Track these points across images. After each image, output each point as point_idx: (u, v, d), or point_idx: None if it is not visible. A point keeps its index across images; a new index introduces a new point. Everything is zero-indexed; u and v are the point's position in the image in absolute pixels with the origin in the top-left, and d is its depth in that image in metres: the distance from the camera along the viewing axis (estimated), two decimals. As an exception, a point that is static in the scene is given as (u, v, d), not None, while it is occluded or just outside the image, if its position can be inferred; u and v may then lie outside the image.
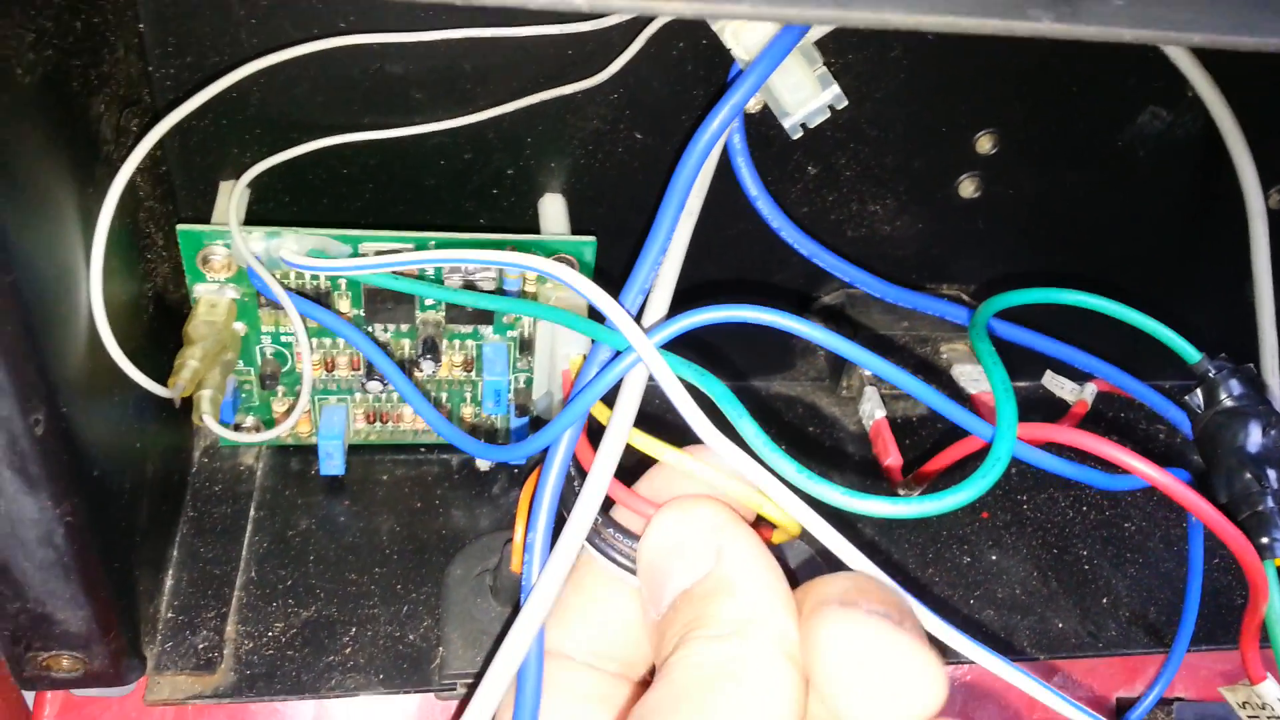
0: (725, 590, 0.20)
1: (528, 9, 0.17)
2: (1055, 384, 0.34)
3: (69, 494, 0.23)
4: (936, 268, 0.37)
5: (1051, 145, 0.34)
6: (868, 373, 0.36)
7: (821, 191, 0.35)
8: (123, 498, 0.27)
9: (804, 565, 0.25)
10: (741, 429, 0.22)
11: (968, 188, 0.35)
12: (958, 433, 0.38)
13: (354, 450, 0.34)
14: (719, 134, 0.26)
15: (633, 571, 0.23)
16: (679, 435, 0.23)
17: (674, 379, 0.23)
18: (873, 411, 0.35)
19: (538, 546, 0.24)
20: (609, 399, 0.25)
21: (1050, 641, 0.33)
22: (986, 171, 0.35)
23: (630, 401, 0.25)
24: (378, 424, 0.34)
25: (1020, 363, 0.32)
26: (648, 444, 0.24)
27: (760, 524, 0.24)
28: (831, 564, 0.23)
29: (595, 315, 0.25)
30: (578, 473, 0.25)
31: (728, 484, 0.23)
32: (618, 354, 0.25)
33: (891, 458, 0.33)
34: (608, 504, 0.23)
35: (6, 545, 0.24)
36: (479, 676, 0.29)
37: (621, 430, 0.24)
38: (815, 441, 0.38)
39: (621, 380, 0.25)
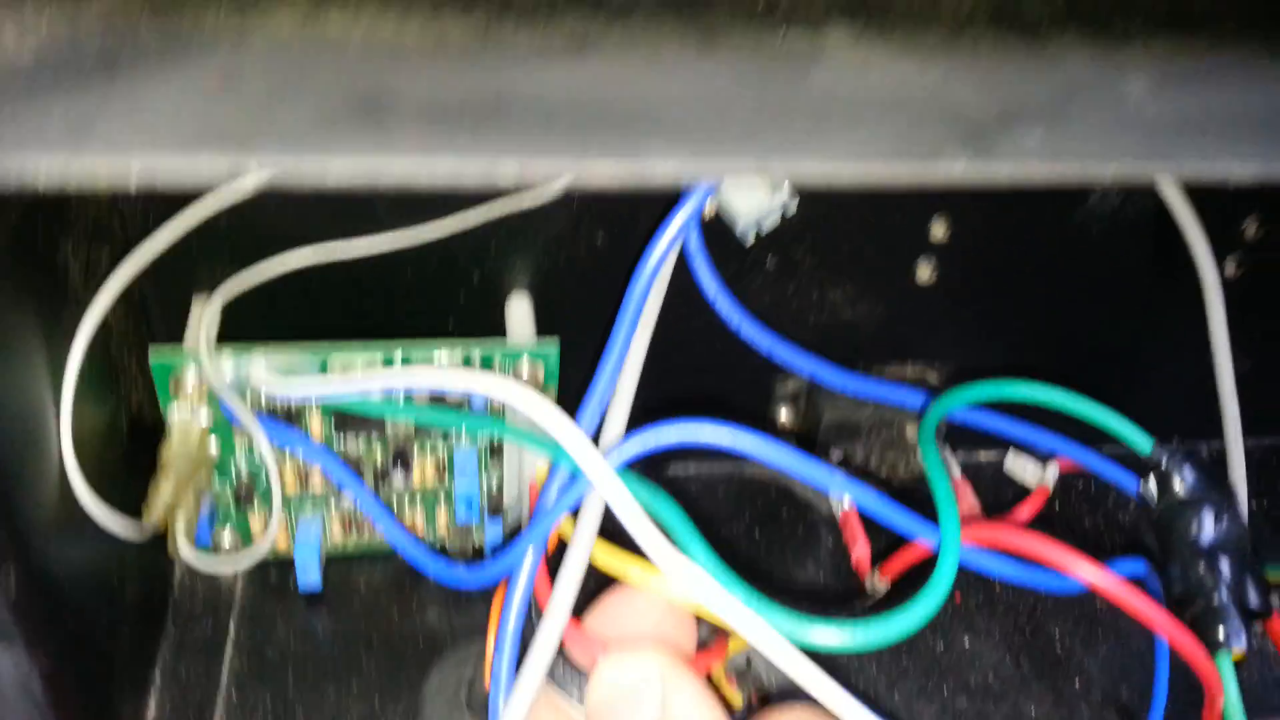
0: None
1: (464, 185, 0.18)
2: (1018, 466, 0.35)
3: (44, 642, 0.23)
4: (899, 347, 0.38)
5: (1004, 228, 0.35)
6: (836, 457, 0.37)
7: (781, 281, 0.35)
8: (101, 630, 0.27)
9: (772, 669, 0.26)
10: (694, 555, 0.23)
11: (924, 272, 0.36)
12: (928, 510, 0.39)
13: (333, 561, 0.35)
14: (667, 251, 0.27)
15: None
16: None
17: (631, 506, 0.24)
18: (842, 499, 0.35)
19: (502, 677, 0.25)
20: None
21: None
22: (941, 256, 0.35)
23: (589, 526, 0.25)
24: (354, 534, 0.35)
25: (985, 438, 0.33)
26: (611, 562, 0.25)
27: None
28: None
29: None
30: (536, 608, 0.25)
31: (688, 601, 0.23)
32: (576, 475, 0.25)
33: (859, 548, 0.33)
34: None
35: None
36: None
37: (579, 562, 0.25)
38: (789, 526, 0.38)
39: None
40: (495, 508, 0.34)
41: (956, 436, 0.37)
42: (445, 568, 0.29)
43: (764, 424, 0.38)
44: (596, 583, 0.25)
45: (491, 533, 0.35)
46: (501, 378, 0.26)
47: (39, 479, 0.24)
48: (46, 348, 0.25)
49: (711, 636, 0.26)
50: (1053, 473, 0.35)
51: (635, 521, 0.23)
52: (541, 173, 0.18)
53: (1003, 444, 0.35)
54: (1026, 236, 0.36)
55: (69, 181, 0.16)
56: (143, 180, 0.16)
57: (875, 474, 0.37)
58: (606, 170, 0.18)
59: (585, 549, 0.24)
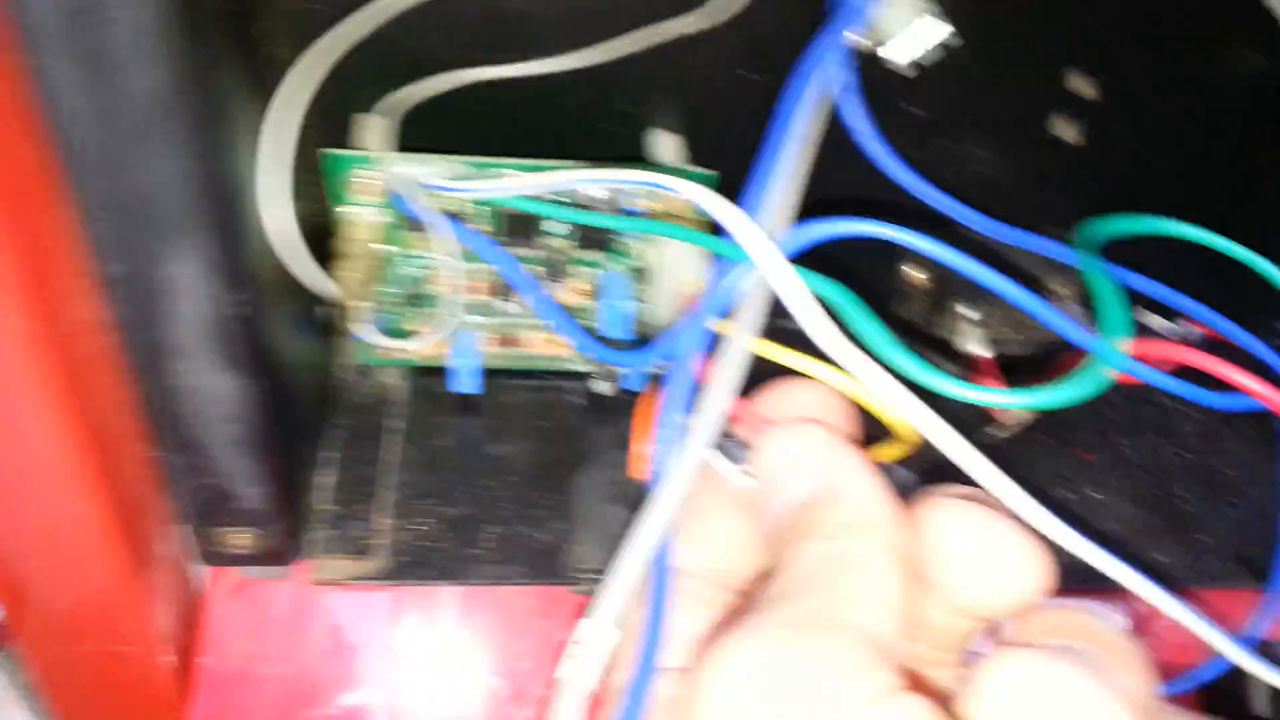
0: (833, 501, 0.22)
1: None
2: (1147, 320, 0.35)
3: (262, 373, 0.26)
4: (1032, 212, 0.38)
5: (1150, 87, 0.35)
6: (969, 312, 0.37)
7: (924, 134, 0.36)
8: (296, 390, 0.30)
9: (906, 489, 0.27)
10: (862, 332, 0.24)
11: (1070, 132, 0.36)
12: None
13: (486, 373, 0.37)
14: (834, 43, 0.28)
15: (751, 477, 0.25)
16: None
17: (798, 283, 0.25)
18: (977, 350, 0.36)
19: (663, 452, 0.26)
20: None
21: (1153, 575, 0.33)
22: (1084, 114, 0.36)
23: (753, 311, 0.26)
24: (509, 348, 0.37)
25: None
26: (772, 351, 0.26)
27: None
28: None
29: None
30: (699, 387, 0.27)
31: (849, 387, 0.25)
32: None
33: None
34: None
35: (200, 422, 0.27)
36: (608, 572, 0.32)
37: (744, 339, 0.26)
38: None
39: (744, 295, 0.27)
40: (643, 336, 0.36)
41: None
42: (611, 350, 0.31)
43: (890, 279, 0.39)
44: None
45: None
46: (669, 176, 0.28)
47: (259, 237, 0.27)
48: (249, 114, 0.27)
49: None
50: (1191, 331, 0.35)
51: (805, 307, 0.24)
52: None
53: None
54: (1171, 98, 0.36)
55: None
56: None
57: (1008, 334, 0.37)
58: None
59: (749, 333, 0.26)
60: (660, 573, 0.24)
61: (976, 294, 0.37)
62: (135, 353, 0.25)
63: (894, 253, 0.39)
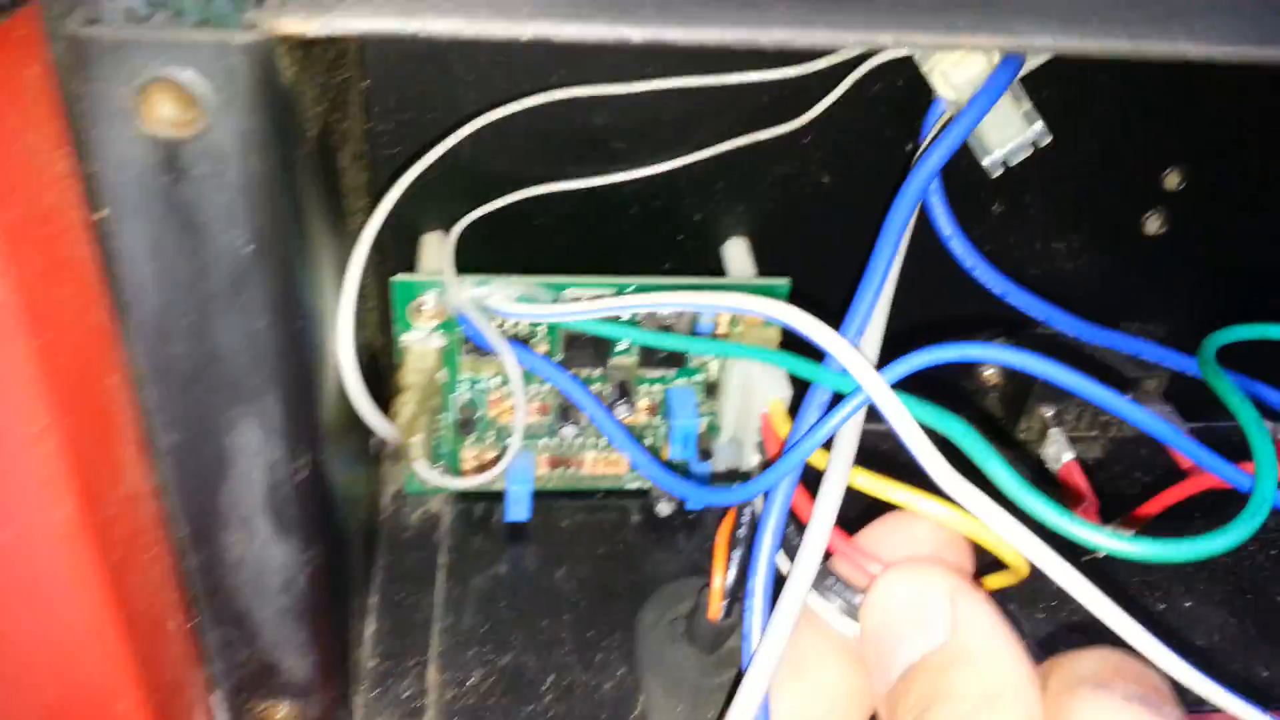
0: (967, 661, 0.19)
1: (759, 46, 0.18)
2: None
3: (316, 540, 0.23)
4: (1116, 309, 0.36)
5: (1240, 180, 0.34)
6: (1049, 414, 0.36)
7: (1004, 230, 0.34)
8: (348, 543, 0.27)
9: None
10: (990, 472, 0.22)
11: (1153, 224, 0.34)
12: (1135, 475, 0.37)
13: (536, 496, 0.34)
14: (937, 169, 0.26)
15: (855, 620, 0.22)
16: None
17: (910, 420, 0.23)
18: (1059, 455, 0.34)
19: (758, 595, 0.23)
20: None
21: (1257, 691, 0.31)
22: (1173, 208, 0.34)
23: (849, 444, 0.24)
24: (560, 469, 0.34)
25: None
26: (874, 485, 0.23)
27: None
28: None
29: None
30: (793, 523, 0.24)
31: (965, 525, 0.22)
32: (838, 396, 0.25)
33: (1088, 502, 0.32)
34: (825, 556, 0.23)
35: (249, 592, 0.24)
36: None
37: (843, 472, 0.24)
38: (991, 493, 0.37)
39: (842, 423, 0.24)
40: (705, 452, 0.34)
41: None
42: (690, 486, 0.28)
43: (969, 380, 0.37)
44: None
45: (697, 476, 0.34)
46: (756, 297, 0.26)
47: (326, 377, 0.24)
48: (333, 252, 0.25)
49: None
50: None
51: (915, 437, 0.22)
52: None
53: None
54: (1261, 191, 0.34)
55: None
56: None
57: (1088, 434, 0.36)
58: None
59: (848, 458, 0.23)
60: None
61: (1058, 395, 0.35)
62: (184, 524, 0.22)
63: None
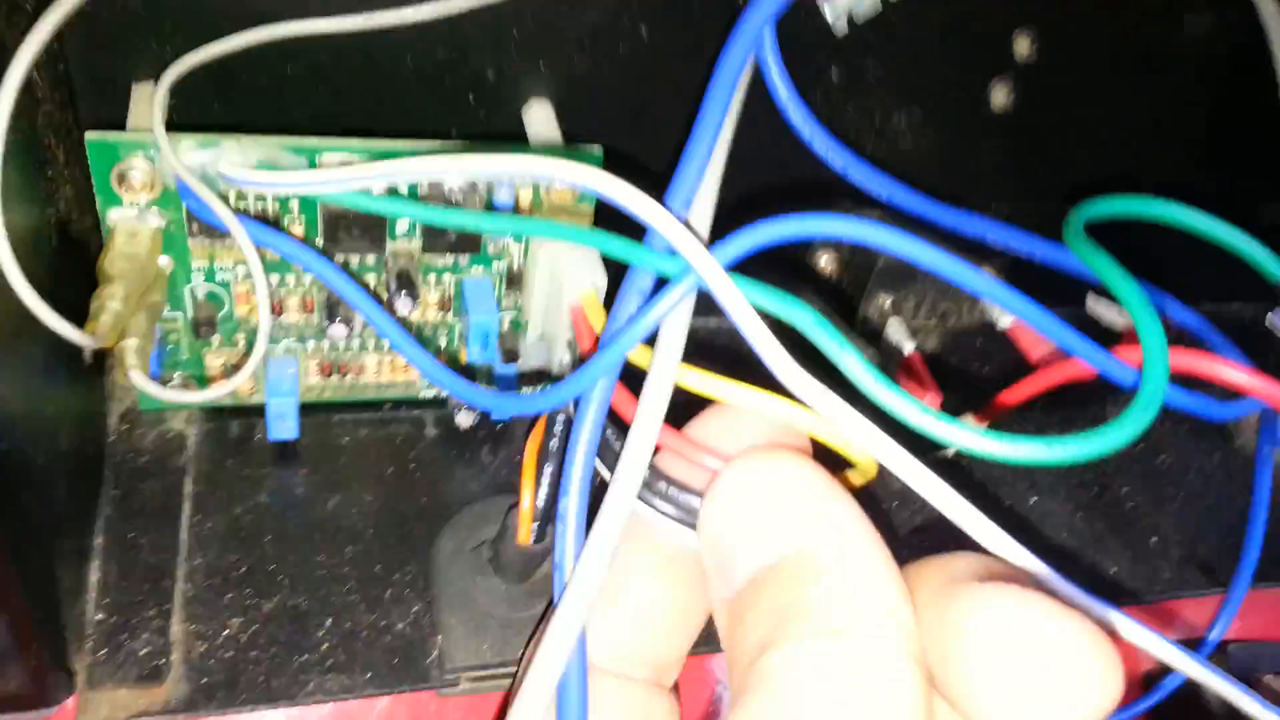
0: (828, 572, 0.16)
1: None
2: (1102, 306, 0.31)
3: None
4: (959, 189, 0.33)
5: (1092, 49, 0.31)
6: (887, 304, 0.33)
7: (842, 100, 0.31)
8: (35, 476, 0.21)
9: None
10: (843, 364, 0.18)
11: (1000, 97, 0.31)
12: (974, 367, 0.35)
13: (305, 410, 0.29)
14: (776, 7, 0.22)
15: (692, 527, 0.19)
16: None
17: (747, 306, 0.19)
18: (900, 344, 0.31)
19: (572, 514, 0.20)
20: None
21: (1107, 588, 0.30)
22: (1021, 77, 0.31)
23: (676, 335, 0.20)
24: (334, 377, 0.29)
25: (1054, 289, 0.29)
26: (705, 383, 0.20)
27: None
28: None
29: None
30: (612, 427, 0.21)
31: (808, 422, 0.19)
32: (662, 282, 0.20)
33: (931, 395, 0.29)
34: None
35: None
36: (487, 667, 0.25)
37: (669, 367, 0.20)
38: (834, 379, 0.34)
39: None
40: (510, 353, 0.29)
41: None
42: (488, 395, 0.24)
43: (803, 270, 0.34)
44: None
45: (503, 380, 0.29)
46: (560, 160, 0.21)
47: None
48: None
49: None
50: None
51: (753, 325, 0.19)
52: None
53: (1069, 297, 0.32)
54: (1113, 61, 0.32)
55: None
56: None
57: (927, 322, 0.33)
58: None
59: (674, 358, 0.20)
60: (577, 696, 0.18)
61: (898, 282, 0.32)
62: None
63: (805, 241, 0.34)
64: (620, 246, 0.21)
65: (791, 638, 0.15)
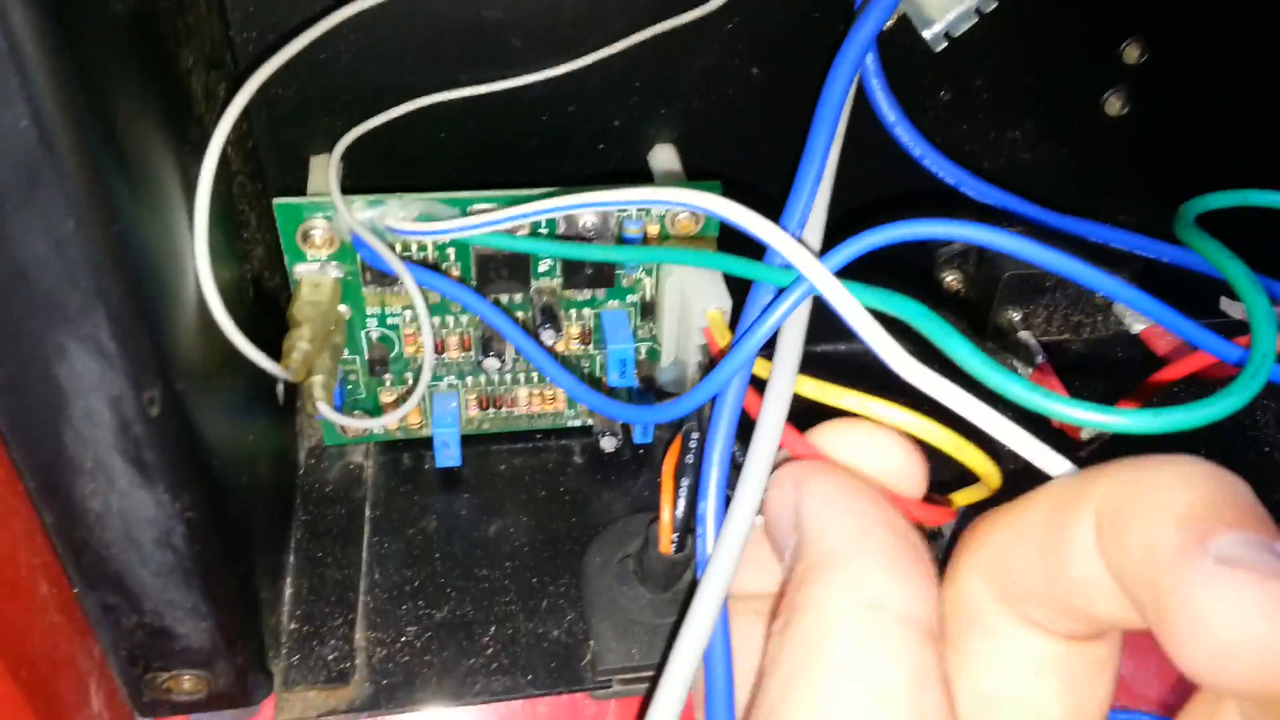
0: (830, 565, 0.17)
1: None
2: (1235, 310, 0.31)
3: (188, 486, 0.21)
4: (1084, 192, 0.34)
5: (1206, 53, 0.31)
6: (1016, 317, 0.33)
7: (954, 119, 0.32)
8: (239, 495, 0.25)
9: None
10: (954, 353, 0.19)
11: (1114, 104, 0.32)
12: (1119, 374, 0.35)
13: (466, 441, 0.32)
14: (874, 33, 0.24)
15: None
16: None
17: (858, 306, 0.20)
18: (1031, 355, 0.31)
19: (710, 514, 0.21)
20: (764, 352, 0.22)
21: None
22: (1134, 83, 0.31)
23: (794, 343, 0.22)
24: (490, 410, 0.32)
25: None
26: (822, 391, 0.21)
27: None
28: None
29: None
30: (741, 443, 0.22)
31: (917, 426, 0.20)
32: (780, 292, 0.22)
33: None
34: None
35: (121, 549, 0.21)
36: (636, 670, 0.27)
37: (789, 374, 0.21)
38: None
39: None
40: (646, 379, 0.31)
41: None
42: (628, 408, 0.26)
43: (929, 286, 0.35)
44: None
45: (640, 404, 0.31)
46: (684, 190, 0.23)
47: (178, 302, 0.21)
48: (175, 160, 0.22)
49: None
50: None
51: (866, 324, 0.20)
52: None
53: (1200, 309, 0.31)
54: (1229, 64, 0.32)
55: None
56: None
57: (1059, 336, 0.33)
58: None
59: (793, 365, 0.21)
60: (717, 672, 0.19)
61: (1025, 290, 0.33)
62: (30, 473, 0.19)
63: (930, 260, 0.35)
64: (741, 265, 0.23)
65: (782, 625, 0.17)
